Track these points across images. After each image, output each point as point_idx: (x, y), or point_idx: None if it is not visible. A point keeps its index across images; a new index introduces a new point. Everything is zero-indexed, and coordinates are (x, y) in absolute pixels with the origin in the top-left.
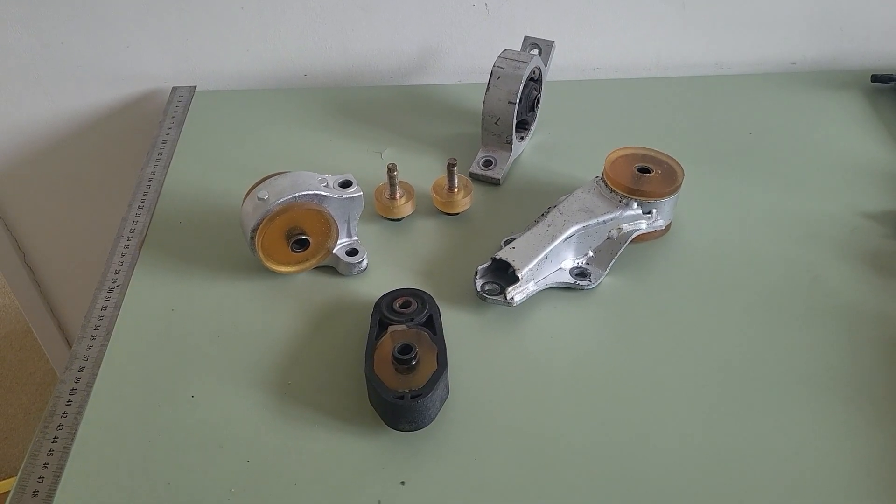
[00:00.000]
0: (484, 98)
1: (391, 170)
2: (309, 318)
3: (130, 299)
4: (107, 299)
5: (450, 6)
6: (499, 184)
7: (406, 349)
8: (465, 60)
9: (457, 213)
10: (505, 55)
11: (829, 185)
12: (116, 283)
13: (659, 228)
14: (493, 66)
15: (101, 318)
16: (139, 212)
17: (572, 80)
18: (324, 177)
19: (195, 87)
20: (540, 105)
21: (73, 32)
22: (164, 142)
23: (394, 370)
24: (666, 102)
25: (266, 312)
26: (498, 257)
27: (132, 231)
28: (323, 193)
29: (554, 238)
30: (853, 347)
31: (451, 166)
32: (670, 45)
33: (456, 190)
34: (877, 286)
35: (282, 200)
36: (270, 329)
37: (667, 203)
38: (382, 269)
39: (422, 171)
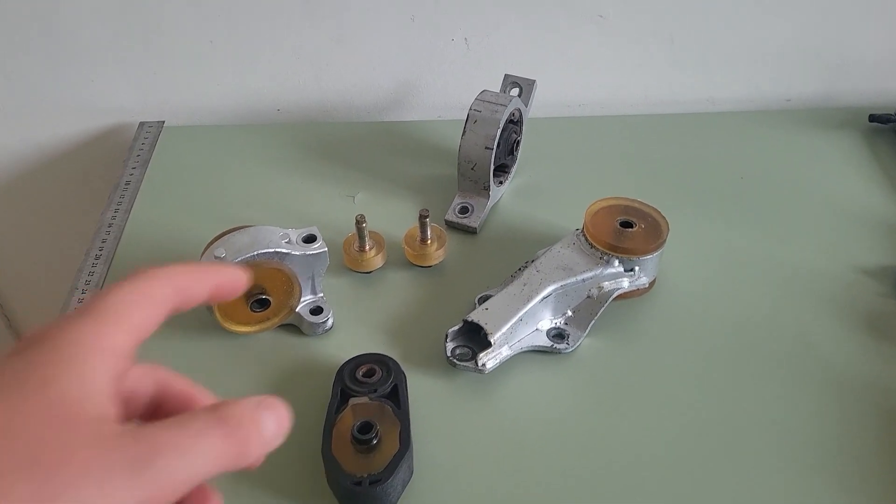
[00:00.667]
0: (460, 142)
1: (359, 221)
2: (270, 382)
3: None
4: None
5: (428, 40)
6: (475, 233)
7: (366, 428)
8: (445, 96)
9: (430, 266)
10: (483, 97)
11: (824, 235)
12: None
13: (642, 287)
14: (470, 108)
15: None
16: (96, 261)
17: (556, 117)
18: (286, 231)
19: (163, 122)
20: (521, 147)
21: (34, 63)
22: (128, 182)
23: (353, 449)
24: (654, 141)
25: (224, 375)
26: (469, 319)
27: (87, 283)
28: (284, 251)
29: (529, 299)
30: (845, 419)
31: (422, 217)
32: (659, 80)
33: (429, 241)
34: (871, 351)
35: (240, 259)
36: (227, 395)
37: (650, 260)
38: (349, 327)
39: (396, 217)
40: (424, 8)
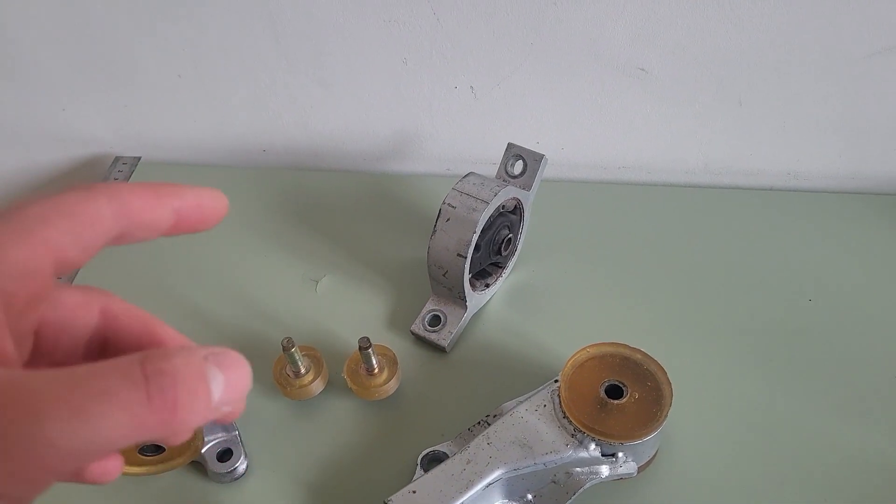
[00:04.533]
0: (429, 242)
1: (287, 347)
2: None
3: None
4: None
5: (426, 87)
6: (445, 352)
7: None
8: (451, 147)
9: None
10: (462, 186)
11: None
12: None
13: (627, 475)
14: (443, 201)
15: None
16: None
17: (587, 181)
18: None
19: (139, 157)
20: (523, 236)
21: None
22: None
23: None
24: (705, 224)
25: None
26: None
27: None
28: None
29: (470, 484)
30: None
31: (362, 349)
32: (721, 146)
33: (375, 372)
34: None
35: None
36: None
37: (642, 444)
38: (264, 474)
39: (356, 318)
40: (417, 51)
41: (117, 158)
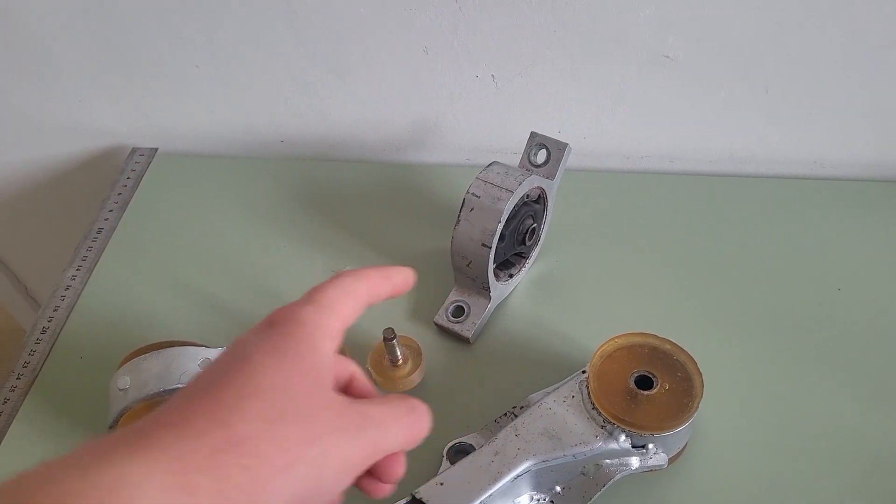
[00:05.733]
0: (452, 233)
1: (388, 338)
2: None
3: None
4: None
5: (448, 76)
6: (469, 342)
7: None
8: (471, 137)
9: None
10: (486, 176)
11: None
12: None
13: (658, 467)
14: (467, 191)
15: None
16: (41, 337)
17: (611, 170)
18: (209, 356)
19: (157, 149)
20: (546, 225)
21: (19, 81)
22: (99, 230)
23: None
24: (730, 213)
25: None
26: (418, 497)
27: (25, 365)
28: None
29: (499, 476)
30: None
31: (387, 341)
32: (748, 134)
33: (399, 363)
34: None
35: (142, 396)
36: None
37: (673, 435)
38: None
39: (382, 308)
40: (438, 39)
41: (134, 150)
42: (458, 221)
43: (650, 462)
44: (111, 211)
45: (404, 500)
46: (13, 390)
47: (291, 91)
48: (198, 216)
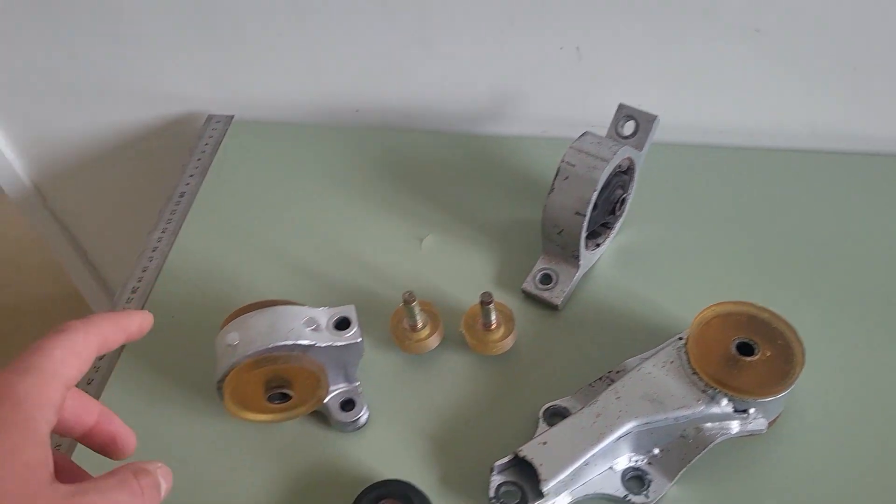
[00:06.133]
0: (545, 201)
1: (408, 301)
2: (284, 487)
3: None
4: None
5: (533, 47)
6: (557, 309)
7: None
8: (551, 109)
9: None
10: (580, 145)
11: None
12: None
13: (758, 431)
14: (562, 160)
15: (58, 446)
16: (132, 296)
17: (688, 144)
18: (314, 314)
19: (233, 116)
20: (630, 200)
21: (100, 45)
22: (182, 195)
23: None
24: (806, 190)
25: (234, 471)
26: (521, 455)
27: None
28: (306, 343)
29: (601, 436)
30: None
31: (484, 304)
32: (831, 111)
33: (493, 327)
34: None
35: (252, 352)
36: (234, 496)
37: (773, 401)
38: (386, 423)
39: (466, 274)
40: (526, 10)
41: (210, 117)
42: (553, 190)
43: (750, 427)
44: (192, 176)
45: (507, 458)
46: None
47: (373, 61)
48: (276, 181)
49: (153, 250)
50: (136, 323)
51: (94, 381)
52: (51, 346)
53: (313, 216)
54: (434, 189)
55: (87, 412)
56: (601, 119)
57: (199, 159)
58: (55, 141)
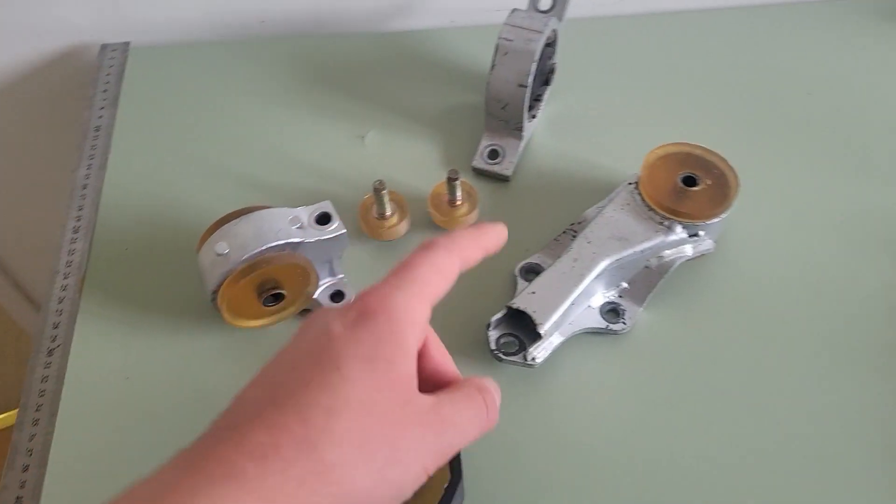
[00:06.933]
0: (487, 79)
1: (378, 189)
2: None
3: (75, 365)
4: (47, 366)
5: None
6: (508, 180)
7: None
8: None
9: None
10: (513, 20)
11: None
12: (57, 343)
13: (707, 251)
14: (499, 37)
15: (42, 393)
16: (75, 236)
17: (593, 17)
18: (295, 213)
19: (129, 42)
20: (556, 72)
21: None
22: (97, 129)
23: None
24: (708, 44)
25: (235, 376)
26: (515, 307)
27: (69, 264)
28: (296, 240)
29: (581, 277)
30: None
31: (451, 180)
32: None
33: (458, 203)
34: None
35: (246, 257)
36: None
37: (717, 222)
38: None
39: (416, 162)
40: None
41: (104, 46)
42: (493, 67)
43: (701, 248)
44: (102, 108)
45: (501, 313)
46: (64, 289)
47: None
48: (196, 103)
49: (83, 188)
50: (494, 239)
51: (59, 325)
52: (417, 264)
53: (246, 130)
54: (361, 89)
55: (445, 372)
56: (504, 3)
57: (105, 91)
58: None
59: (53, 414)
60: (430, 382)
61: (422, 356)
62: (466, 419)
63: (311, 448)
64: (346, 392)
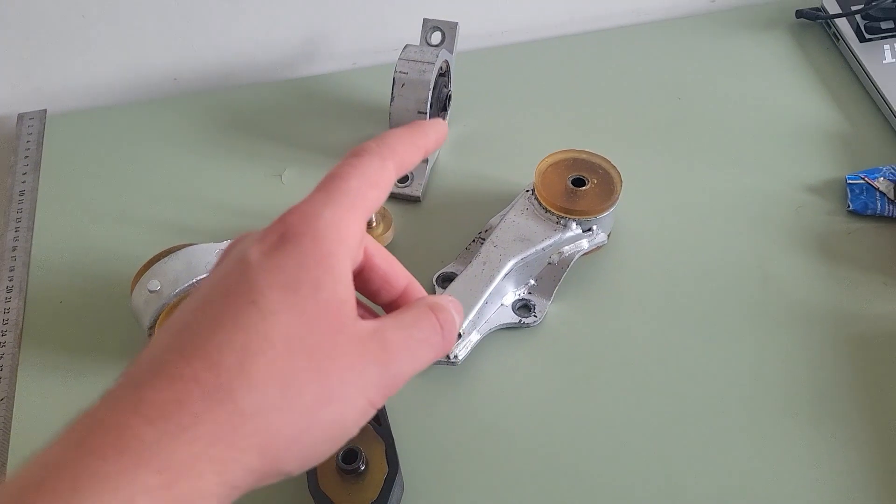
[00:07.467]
0: (389, 110)
1: None
2: None
3: (20, 415)
4: None
5: None
6: (419, 201)
7: (350, 455)
8: (357, 41)
9: None
10: (407, 55)
11: (767, 154)
12: (0, 397)
13: (602, 243)
14: (395, 70)
15: None
16: (9, 295)
17: (481, 49)
18: (220, 247)
19: (45, 110)
20: (452, 98)
21: None
22: (22, 193)
23: (341, 480)
24: (587, 62)
25: None
26: None
27: (6, 322)
28: None
29: (491, 278)
30: (814, 356)
31: None
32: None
33: (373, 226)
34: (828, 276)
35: (178, 291)
36: None
37: (607, 216)
38: None
39: None
40: None
41: (21, 116)
42: (393, 98)
43: (596, 241)
44: (25, 174)
45: None
46: (3, 346)
47: (184, 26)
48: (118, 162)
49: (13, 250)
50: (431, 136)
51: (1, 379)
52: (347, 175)
53: (168, 181)
54: (275, 132)
55: (396, 278)
56: (400, 43)
57: (26, 157)
58: None
59: (3, 464)
60: (386, 299)
61: (365, 272)
62: (416, 343)
63: (223, 397)
64: (265, 327)
